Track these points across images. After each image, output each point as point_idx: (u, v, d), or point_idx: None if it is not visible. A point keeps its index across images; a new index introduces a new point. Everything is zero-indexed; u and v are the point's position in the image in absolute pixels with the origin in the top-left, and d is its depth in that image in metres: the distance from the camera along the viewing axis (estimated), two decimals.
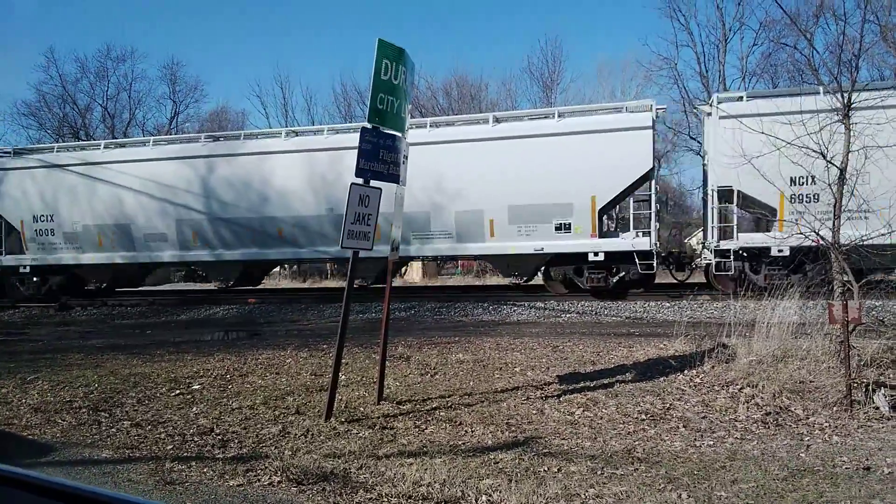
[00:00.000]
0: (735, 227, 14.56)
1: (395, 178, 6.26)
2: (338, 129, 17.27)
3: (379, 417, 5.87)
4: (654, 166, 14.68)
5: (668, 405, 6.03)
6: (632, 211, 15.38)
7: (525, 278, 16.25)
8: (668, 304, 13.37)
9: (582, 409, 6.00)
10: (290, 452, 4.94)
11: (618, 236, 15.41)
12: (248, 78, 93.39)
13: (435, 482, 4.12)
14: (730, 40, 37.56)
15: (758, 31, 36.80)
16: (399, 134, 6.21)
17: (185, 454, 4.99)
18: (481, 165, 15.10)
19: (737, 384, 6.34)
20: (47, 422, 5.96)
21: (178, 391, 6.99)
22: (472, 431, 5.45)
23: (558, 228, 14.92)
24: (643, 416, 5.75)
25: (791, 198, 13.59)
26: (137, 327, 13.72)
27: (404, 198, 6.54)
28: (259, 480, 4.35)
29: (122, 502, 1.42)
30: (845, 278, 6.56)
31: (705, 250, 14.96)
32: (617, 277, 15.11)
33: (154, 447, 5.20)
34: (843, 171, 6.71)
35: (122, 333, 12.55)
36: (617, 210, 17.00)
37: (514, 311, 13.84)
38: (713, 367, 6.91)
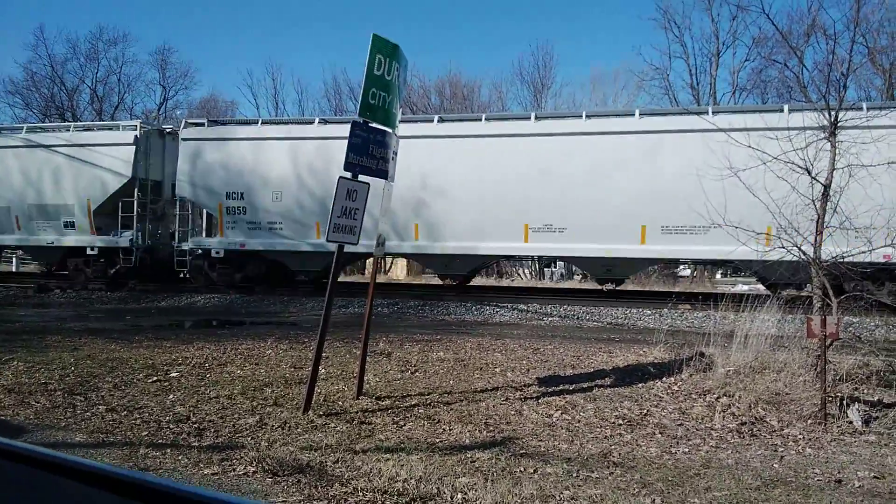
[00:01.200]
0: (189, 231, 17.54)
1: (384, 174, 6.24)
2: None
3: (357, 412, 5.85)
4: (134, 175, 17.40)
5: (645, 411, 6.07)
6: (120, 213, 17.59)
7: (53, 266, 19.63)
8: (649, 312, 13.48)
9: (560, 411, 6.02)
10: (266, 443, 4.91)
11: (110, 234, 17.83)
12: (239, 68, 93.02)
13: (411, 478, 4.12)
14: (722, 54, 38.01)
15: (750, 47, 37.21)
16: (390, 130, 6.19)
17: (161, 441, 4.95)
18: (14, 170, 18.41)
19: (714, 393, 6.39)
20: (21, 403, 5.89)
21: (155, 378, 6.93)
22: (450, 430, 5.46)
23: (66, 225, 18.15)
24: (620, 421, 5.79)
25: (227, 209, 16.76)
26: (116, 312, 13.58)
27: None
28: (234, 470, 4.32)
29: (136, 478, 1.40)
30: (824, 293, 6.63)
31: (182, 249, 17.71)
32: (114, 269, 17.91)
33: (129, 433, 5.15)
34: (826, 187, 6.77)
35: (101, 317, 12.42)
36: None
37: (497, 312, 13.89)
38: (691, 375, 6.96)
